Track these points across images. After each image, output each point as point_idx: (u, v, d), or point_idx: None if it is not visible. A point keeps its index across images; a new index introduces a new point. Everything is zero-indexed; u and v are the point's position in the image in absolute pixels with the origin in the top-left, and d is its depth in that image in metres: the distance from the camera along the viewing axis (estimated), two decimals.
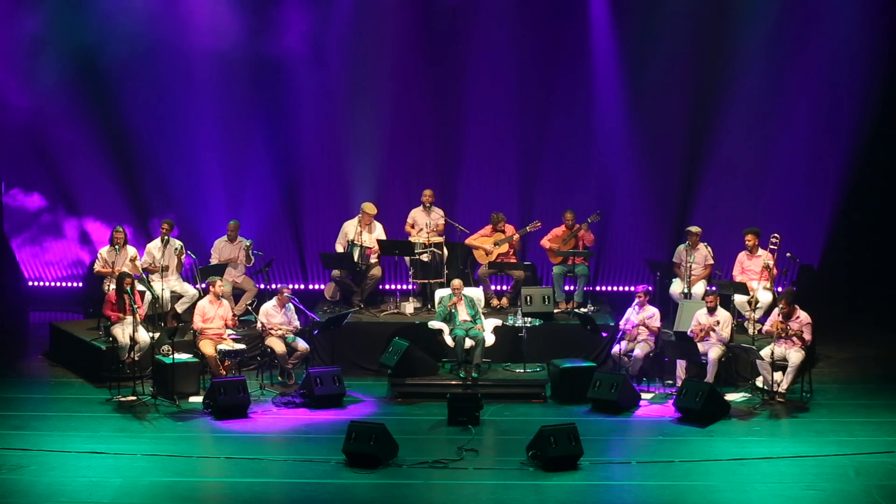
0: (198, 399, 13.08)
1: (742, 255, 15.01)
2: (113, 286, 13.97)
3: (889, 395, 13.63)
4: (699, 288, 14.92)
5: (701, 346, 13.47)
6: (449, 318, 14.00)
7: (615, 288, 17.63)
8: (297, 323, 13.97)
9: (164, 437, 12.06)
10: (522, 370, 13.91)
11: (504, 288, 16.30)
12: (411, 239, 15.51)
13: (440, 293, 14.63)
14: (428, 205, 15.78)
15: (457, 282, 14.20)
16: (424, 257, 15.31)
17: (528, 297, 14.53)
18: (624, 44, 17.01)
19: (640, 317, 13.78)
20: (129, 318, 13.44)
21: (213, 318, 13.72)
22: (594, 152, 17.33)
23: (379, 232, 15.56)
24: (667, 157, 17.20)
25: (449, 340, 13.91)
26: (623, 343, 13.81)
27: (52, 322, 15.91)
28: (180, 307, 14.76)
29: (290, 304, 13.94)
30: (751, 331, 14.03)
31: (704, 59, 16.92)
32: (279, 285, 15.34)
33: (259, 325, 13.93)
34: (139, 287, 14.14)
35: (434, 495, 10.63)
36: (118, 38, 16.70)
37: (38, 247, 17.62)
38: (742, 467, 11.22)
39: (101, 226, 17.00)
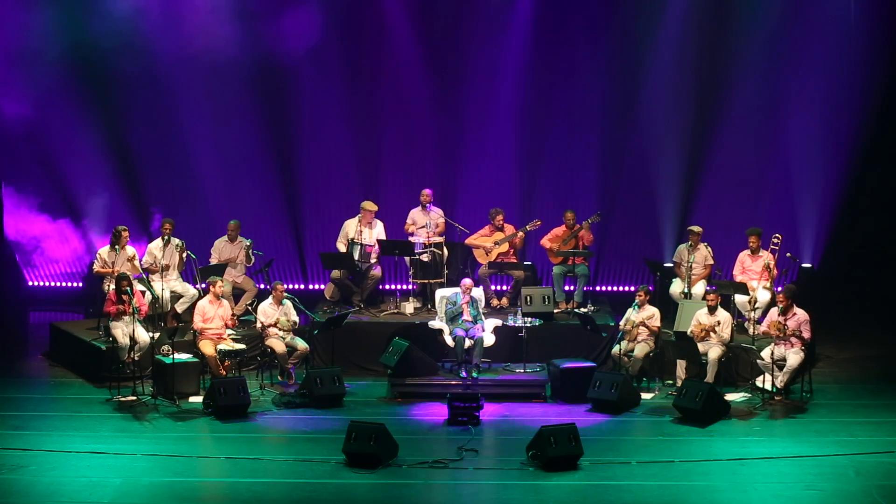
0: (198, 399, 13.08)
1: (744, 255, 15.00)
2: (113, 286, 13.96)
3: (889, 395, 13.64)
4: (699, 288, 14.92)
5: (701, 346, 13.47)
6: (456, 317, 14.00)
7: (615, 288, 17.62)
8: (295, 318, 13.95)
9: (164, 437, 12.05)
10: (522, 370, 13.92)
11: (504, 288, 16.29)
12: (411, 239, 15.51)
13: (440, 293, 14.64)
14: (426, 205, 15.78)
15: (468, 281, 14.20)
16: (424, 257, 15.31)
17: (528, 297, 14.53)
18: (624, 45, 17.00)
19: (640, 317, 13.77)
20: (129, 318, 13.44)
21: (213, 318, 13.71)
22: (594, 152, 17.31)
23: (379, 230, 15.55)
24: (667, 157, 17.18)
25: (449, 340, 13.91)
26: (623, 343, 13.82)
27: (52, 322, 15.89)
28: (180, 307, 14.75)
29: (287, 301, 13.94)
30: (751, 331, 14.02)
31: (705, 60, 16.91)
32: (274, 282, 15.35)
33: (259, 324, 13.93)
34: (139, 287, 14.14)
35: (434, 495, 10.64)
36: (119, 41, 16.69)
37: (38, 249, 17.60)
38: (742, 467, 11.23)
39: (101, 226, 16.99)
